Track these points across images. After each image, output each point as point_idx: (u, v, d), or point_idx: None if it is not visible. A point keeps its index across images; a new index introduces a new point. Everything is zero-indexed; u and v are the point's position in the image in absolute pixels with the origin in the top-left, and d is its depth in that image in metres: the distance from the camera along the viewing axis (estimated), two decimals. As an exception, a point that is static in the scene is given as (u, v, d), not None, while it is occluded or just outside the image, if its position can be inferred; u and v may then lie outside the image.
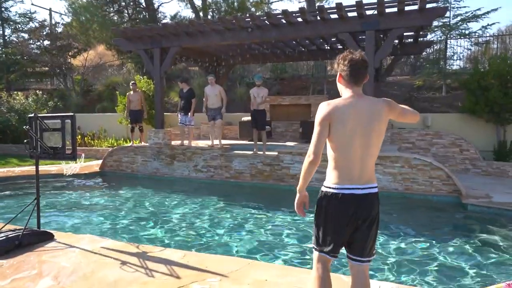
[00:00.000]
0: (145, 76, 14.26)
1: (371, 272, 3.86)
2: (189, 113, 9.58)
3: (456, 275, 3.95)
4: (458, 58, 14.24)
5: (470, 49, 14.16)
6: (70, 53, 19.41)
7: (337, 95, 2.34)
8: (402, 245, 4.79)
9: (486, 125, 10.35)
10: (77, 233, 5.04)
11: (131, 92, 10.82)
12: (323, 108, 2.14)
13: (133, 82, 11.23)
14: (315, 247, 2.25)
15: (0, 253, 3.74)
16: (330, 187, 2.16)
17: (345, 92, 2.21)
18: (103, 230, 5.40)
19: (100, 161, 10.82)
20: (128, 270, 3.36)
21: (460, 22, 12.87)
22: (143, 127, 11.03)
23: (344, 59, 2.16)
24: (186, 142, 9.87)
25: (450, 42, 13.62)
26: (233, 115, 13.72)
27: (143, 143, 10.76)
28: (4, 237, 3.91)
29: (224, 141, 10.17)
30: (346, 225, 2.13)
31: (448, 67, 13.56)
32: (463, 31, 13.12)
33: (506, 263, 4.26)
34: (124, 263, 3.51)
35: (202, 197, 7.41)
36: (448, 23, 12.80)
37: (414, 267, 4.11)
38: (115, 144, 13.75)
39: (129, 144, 10.81)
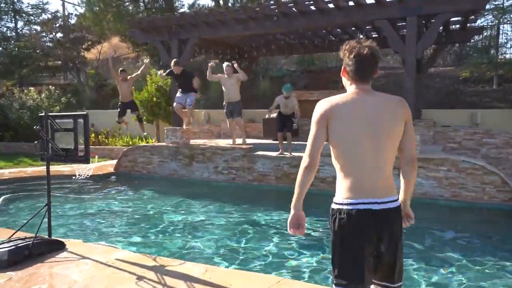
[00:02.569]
0: (161, 70, 14.34)
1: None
2: (191, 93, 9.10)
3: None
4: (513, 46, 13.60)
5: (527, 36, 13.47)
6: (83, 46, 19.84)
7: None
8: (453, 261, 4.52)
9: (545, 122, 9.80)
10: (90, 239, 5.06)
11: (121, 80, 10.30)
12: (321, 106, 1.96)
13: (121, 69, 10.71)
14: (334, 280, 1.97)
15: (10, 264, 3.74)
16: (341, 203, 1.93)
17: (349, 88, 2.03)
18: (118, 237, 5.38)
19: (114, 161, 10.95)
20: (145, 286, 3.28)
21: (515, 5, 12.24)
22: (140, 116, 10.82)
23: (351, 52, 1.96)
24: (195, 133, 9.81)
25: (503, 27, 12.99)
26: (256, 111, 13.58)
27: (157, 143, 10.80)
28: (13, 247, 3.91)
29: (246, 140, 10.06)
30: (365, 249, 1.89)
31: (500, 56, 12.94)
32: (519, 14, 12.48)
33: None
34: (140, 278, 3.43)
35: (223, 202, 7.31)
36: (501, 5, 12.17)
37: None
38: (130, 142, 13.91)
39: (145, 144, 10.84)
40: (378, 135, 1.90)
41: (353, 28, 10.59)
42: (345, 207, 1.91)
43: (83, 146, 4.21)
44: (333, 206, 1.98)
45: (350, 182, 1.92)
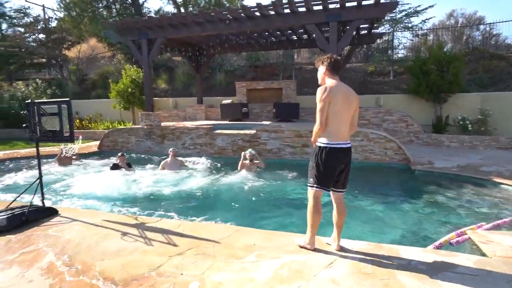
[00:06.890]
0: (134, 66, 13.47)
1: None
2: None
3: (410, 228, 3.98)
4: (403, 47, 14.31)
5: (412, 40, 14.22)
6: (64, 46, 18.05)
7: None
8: (364, 206, 4.79)
9: (426, 103, 10.54)
10: (80, 208, 4.73)
11: None
12: (324, 90, 2.58)
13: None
14: (315, 185, 2.69)
15: (8, 228, 3.41)
16: (327, 143, 2.64)
17: (329, 80, 2.69)
18: (105, 205, 5.08)
19: (97, 142, 10.26)
20: (129, 240, 3.12)
21: (404, 17, 12.80)
22: None
23: (330, 58, 2.72)
24: None
25: (396, 34, 13.60)
26: (214, 99, 13.29)
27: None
28: (10, 214, 3.56)
29: (207, 122, 9.83)
30: (336, 168, 2.67)
31: (394, 55, 13.60)
32: (407, 24, 13.09)
33: (450, 215, 4.35)
34: (124, 234, 3.26)
35: (192, 171, 7.13)
36: (394, 17, 12.71)
37: (376, 225, 4.11)
38: (110, 126, 13.09)
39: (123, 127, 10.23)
40: (349, 107, 2.65)
41: (289, 31, 10.53)
42: (329, 145, 2.64)
43: (68, 128, 3.84)
44: (321, 145, 2.67)
45: (334, 132, 2.64)
